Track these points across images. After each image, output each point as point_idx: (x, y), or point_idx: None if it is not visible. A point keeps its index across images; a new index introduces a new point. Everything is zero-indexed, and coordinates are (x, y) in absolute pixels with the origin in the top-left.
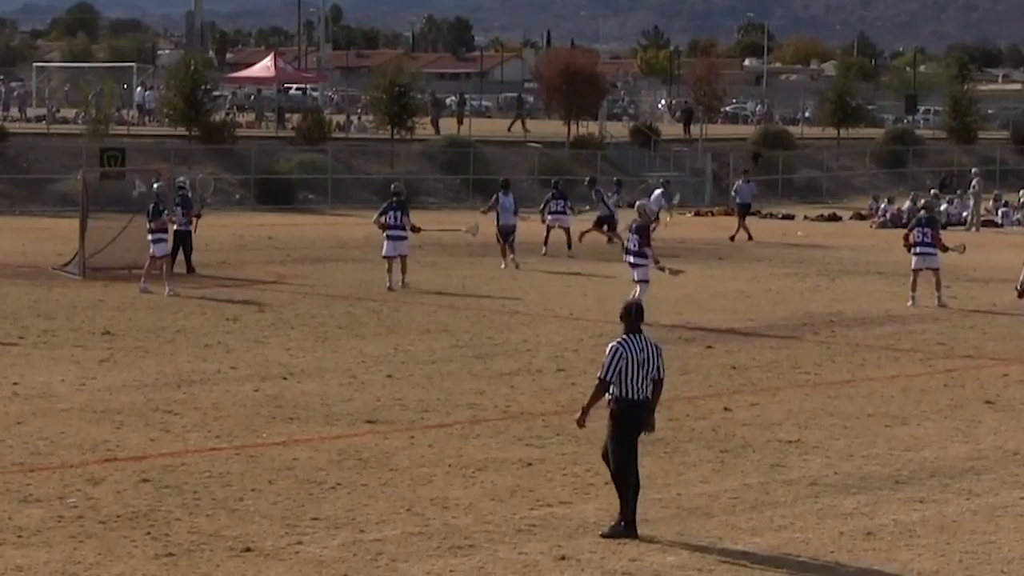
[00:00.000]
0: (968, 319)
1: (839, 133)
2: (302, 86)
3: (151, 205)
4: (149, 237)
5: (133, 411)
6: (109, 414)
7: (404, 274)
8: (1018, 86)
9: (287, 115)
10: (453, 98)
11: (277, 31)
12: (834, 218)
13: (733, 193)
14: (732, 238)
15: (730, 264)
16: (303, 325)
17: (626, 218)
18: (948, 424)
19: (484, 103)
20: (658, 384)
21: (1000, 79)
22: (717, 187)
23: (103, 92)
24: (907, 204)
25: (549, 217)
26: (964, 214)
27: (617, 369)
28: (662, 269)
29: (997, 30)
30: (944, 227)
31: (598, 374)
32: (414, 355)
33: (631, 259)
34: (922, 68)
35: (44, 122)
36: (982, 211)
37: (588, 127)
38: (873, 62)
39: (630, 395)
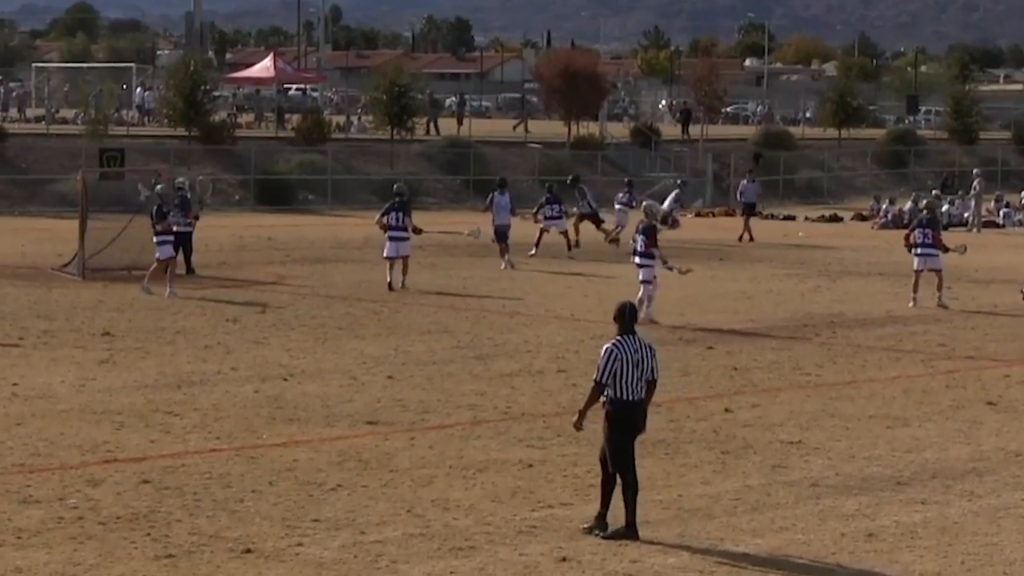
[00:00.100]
0: (970, 320)
1: (840, 133)
2: (302, 86)
3: (154, 207)
4: (155, 239)
5: (133, 412)
6: (109, 415)
7: (404, 275)
8: (1019, 86)
9: (287, 116)
10: (453, 99)
11: (276, 31)
12: (835, 219)
13: (739, 193)
14: (740, 238)
15: (731, 265)
16: (303, 326)
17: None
18: (950, 425)
19: (484, 104)
20: (652, 385)
21: (1001, 79)
22: (718, 188)
23: (102, 93)
24: (908, 205)
25: (544, 221)
26: (965, 215)
27: (612, 371)
28: (671, 269)
29: (998, 30)
30: (945, 228)
31: (593, 376)
32: (414, 356)
33: (637, 260)
34: (923, 68)
35: (43, 122)
36: (983, 212)
37: (588, 128)
38: (874, 62)
39: (625, 396)
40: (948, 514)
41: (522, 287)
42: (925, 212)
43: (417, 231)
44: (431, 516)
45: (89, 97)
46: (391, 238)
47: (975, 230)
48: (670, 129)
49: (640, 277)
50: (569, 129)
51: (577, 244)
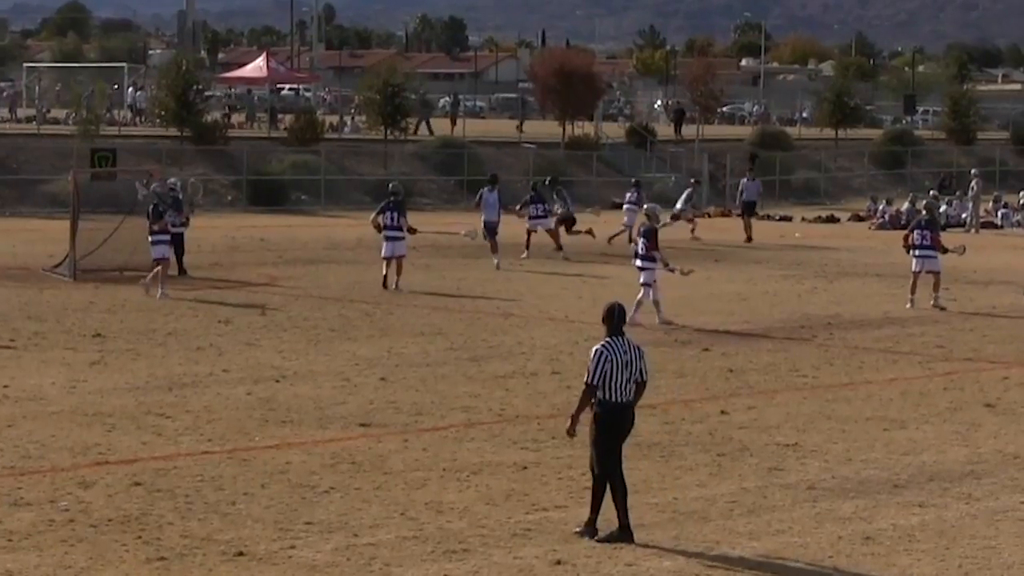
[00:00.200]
0: (968, 322)
1: (837, 134)
2: (294, 86)
3: (150, 206)
4: (150, 239)
5: (124, 414)
6: (100, 417)
7: (398, 276)
8: (1018, 86)
9: (279, 116)
10: (447, 99)
11: (269, 31)
12: (832, 219)
13: (739, 191)
14: (749, 239)
15: (727, 266)
16: (296, 327)
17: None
18: (947, 427)
19: (478, 103)
20: (641, 386)
21: (1000, 79)
22: (714, 188)
23: (94, 93)
24: (906, 205)
25: (530, 221)
26: (963, 215)
27: (602, 372)
28: (672, 271)
29: (997, 29)
30: (943, 229)
31: (584, 379)
32: (408, 358)
33: (638, 262)
34: (921, 68)
35: (34, 122)
36: (981, 212)
37: (583, 128)
38: (871, 62)
39: (614, 398)
40: (946, 517)
41: (516, 288)
42: (924, 213)
43: (412, 231)
44: (425, 519)
45: (81, 97)
46: (386, 238)
47: (973, 231)
48: (666, 129)
49: (640, 280)
50: (564, 129)
51: (559, 247)
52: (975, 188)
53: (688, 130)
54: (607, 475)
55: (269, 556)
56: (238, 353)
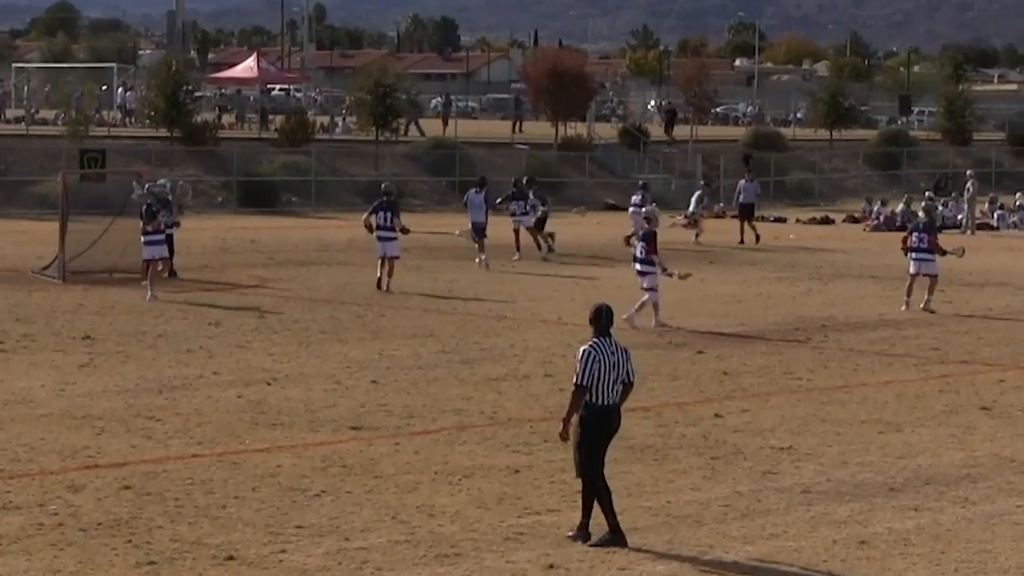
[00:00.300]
0: (963, 324)
1: (831, 134)
2: (285, 87)
3: (144, 207)
4: (143, 239)
5: (114, 417)
6: (89, 420)
7: (390, 277)
8: (1014, 86)
9: (270, 116)
10: (439, 99)
11: (260, 31)
12: (827, 221)
13: (737, 193)
14: (757, 239)
15: (720, 268)
16: (286, 330)
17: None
18: (943, 431)
19: (470, 104)
20: (628, 388)
21: (996, 79)
22: (708, 189)
23: (83, 96)
24: (900, 207)
25: (512, 219)
26: (959, 217)
27: (591, 373)
28: (670, 275)
29: (992, 29)
30: (939, 230)
31: (574, 380)
32: (399, 360)
33: (638, 267)
34: (916, 68)
35: (23, 123)
36: (977, 214)
37: (576, 128)
38: (866, 62)
39: (600, 400)
40: (941, 521)
41: (509, 290)
42: (923, 216)
43: (405, 231)
44: (416, 523)
45: (71, 98)
46: (379, 238)
47: (969, 232)
48: (659, 130)
49: (644, 285)
50: (556, 130)
51: (539, 247)
52: (971, 189)
53: (682, 131)
54: (589, 478)
55: (259, 560)
56: (228, 355)
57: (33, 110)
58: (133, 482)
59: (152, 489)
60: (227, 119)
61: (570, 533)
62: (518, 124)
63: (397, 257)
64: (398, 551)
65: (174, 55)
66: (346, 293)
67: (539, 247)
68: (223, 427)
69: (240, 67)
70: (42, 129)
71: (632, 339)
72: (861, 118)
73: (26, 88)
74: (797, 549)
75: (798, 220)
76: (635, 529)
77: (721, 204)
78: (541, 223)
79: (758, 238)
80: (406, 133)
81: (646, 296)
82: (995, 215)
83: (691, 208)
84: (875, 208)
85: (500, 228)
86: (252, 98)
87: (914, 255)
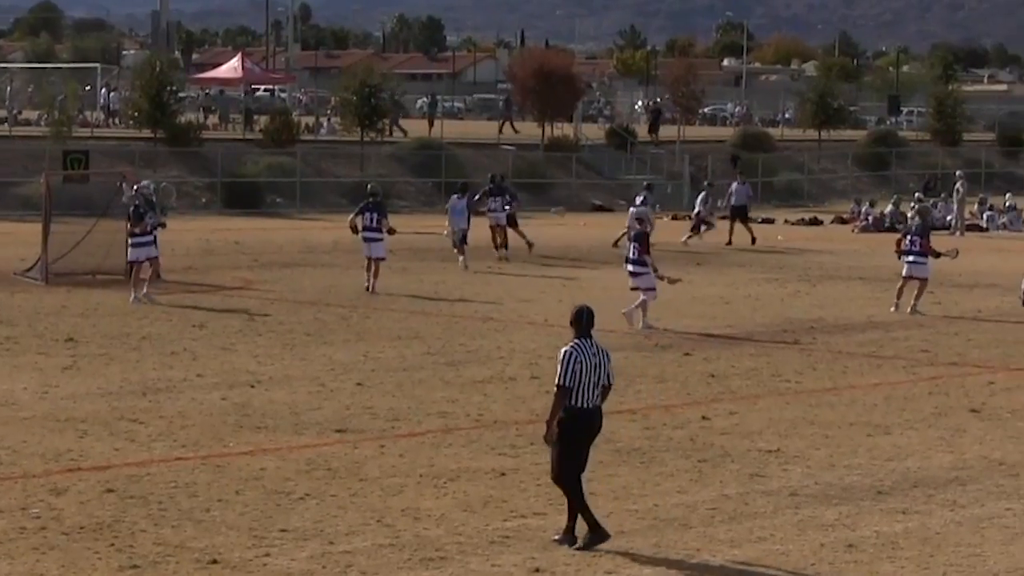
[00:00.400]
0: (952, 325)
1: (820, 135)
2: (270, 87)
3: (131, 208)
4: (129, 241)
5: (97, 420)
6: (73, 423)
7: (375, 279)
8: (1004, 87)
9: (255, 117)
10: (425, 99)
11: (244, 31)
12: (815, 222)
13: (728, 195)
14: (752, 241)
15: (708, 269)
16: (271, 332)
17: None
18: (932, 433)
19: (456, 104)
20: (606, 390)
21: (985, 79)
22: (695, 190)
23: (67, 96)
24: (889, 208)
25: (489, 215)
26: (948, 218)
27: (572, 373)
28: (661, 278)
29: (983, 29)
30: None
31: (555, 382)
32: (384, 362)
33: (630, 267)
34: (905, 68)
35: (6, 124)
36: (967, 215)
37: (563, 129)
38: (855, 62)
39: (580, 403)
40: (930, 524)
41: (495, 292)
42: (917, 219)
43: (392, 231)
44: (401, 526)
45: (55, 99)
46: (365, 239)
47: (958, 233)
48: (646, 130)
49: (636, 285)
50: (543, 130)
51: (504, 246)
52: (960, 190)
53: (669, 131)
54: (563, 480)
55: (243, 564)
56: (213, 358)
57: (16, 111)
58: (116, 485)
59: (135, 492)
60: (211, 120)
61: (556, 537)
62: (510, 125)
63: (383, 258)
64: (383, 555)
65: (158, 55)
66: (331, 295)
67: (506, 246)
68: (207, 430)
69: (224, 67)
70: (25, 130)
71: (619, 341)
72: (850, 118)
73: (9, 89)
74: (784, 553)
75: (786, 221)
76: (621, 532)
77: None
78: (512, 220)
79: (753, 240)
80: (391, 133)
81: (643, 296)
82: (984, 216)
83: (696, 208)
84: (863, 209)
85: (481, 230)
86: (227, 95)
87: (908, 258)
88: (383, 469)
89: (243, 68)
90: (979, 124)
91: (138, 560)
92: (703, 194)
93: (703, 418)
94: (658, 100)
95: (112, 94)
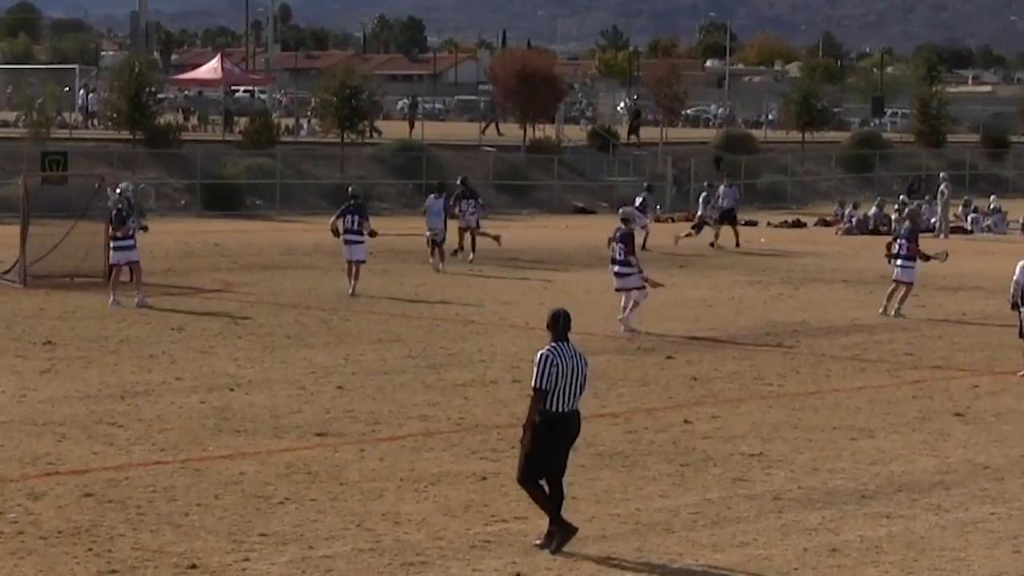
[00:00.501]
0: (937, 329)
1: (804, 136)
2: (250, 88)
3: (114, 211)
4: (112, 245)
5: (75, 423)
6: (50, 426)
7: (355, 281)
8: (988, 88)
9: (234, 118)
10: (405, 101)
11: (224, 32)
12: (798, 224)
13: (717, 196)
14: (737, 244)
15: (691, 272)
16: (250, 335)
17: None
18: (916, 437)
19: (437, 106)
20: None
21: (970, 81)
22: (678, 191)
23: (46, 101)
24: (873, 210)
25: (460, 218)
26: (933, 220)
27: (548, 376)
28: (645, 280)
29: (967, 30)
30: None
31: (531, 384)
32: (365, 365)
33: (616, 268)
34: (890, 69)
35: None
36: (951, 217)
37: (545, 130)
38: (839, 63)
39: (555, 407)
40: (914, 528)
41: (476, 295)
42: (907, 223)
43: (373, 234)
44: (382, 530)
45: (35, 103)
46: (346, 242)
47: (942, 236)
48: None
49: (621, 286)
50: (525, 132)
51: (461, 249)
52: (944, 192)
53: (651, 133)
54: (524, 479)
55: (222, 569)
56: (192, 361)
57: None
58: (95, 489)
59: (114, 496)
60: (191, 121)
61: (538, 541)
62: (495, 127)
63: (363, 261)
64: (363, 559)
65: (137, 56)
66: (311, 297)
67: (473, 248)
68: (186, 433)
69: (204, 68)
70: (3, 131)
71: (602, 344)
72: (833, 120)
73: None
74: (768, 557)
75: (769, 223)
76: (604, 537)
77: (669, 209)
78: (477, 223)
79: (738, 244)
80: (371, 135)
81: (636, 295)
82: (969, 218)
83: (700, 211)
84: (847, 211)
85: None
86: (206, 96)
87: (897, 262)
88: (363, 473)
89: (223, 69)
90: (963, 125)
91: (116, 565)
92: (704, 195)
93: (685, 422)
94: (636, 99)
95: (91, 95)
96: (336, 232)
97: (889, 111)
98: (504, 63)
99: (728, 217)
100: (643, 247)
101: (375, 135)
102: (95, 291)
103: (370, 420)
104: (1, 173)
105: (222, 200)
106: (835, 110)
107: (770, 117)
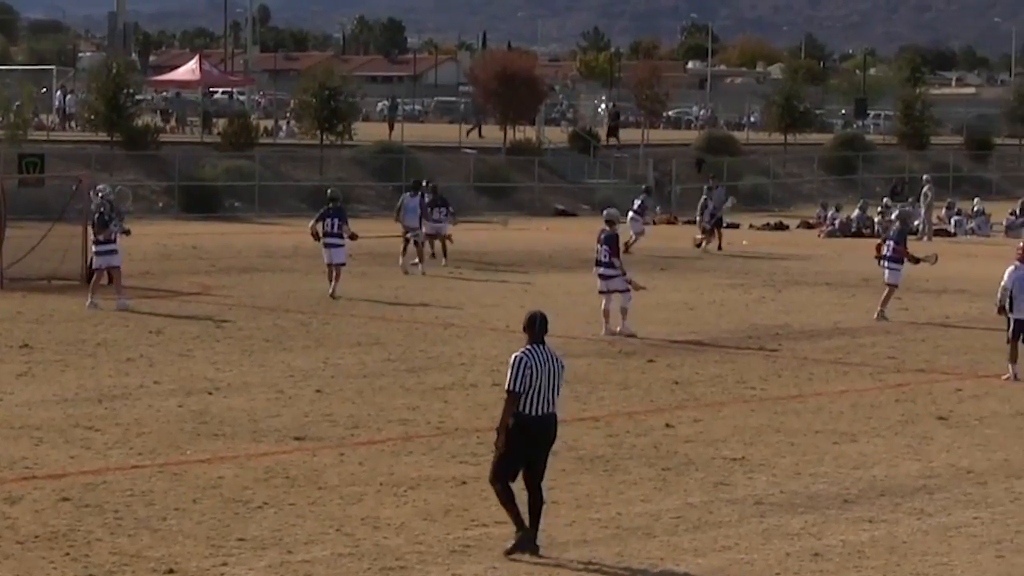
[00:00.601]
0: (920, 332)
1: (786, 138)
2: (228, 90)
3: (96, 215)
4: (94, 248)
5: (52, 427)
6: (27, 430)
7: (336, 284)
8: (972, 89)
9: (213, 120)
10: (385, 102)
11: (202, 32)
12: (781, 227)
13: (707, 200)
14: (719, 247)
15: (672, 274)
16: (229, 338)
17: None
18: (899, 441)
19: (417, 107)
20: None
21: (953, 82)
22: (659, 194)
23: (23, 99)
24: (856, 212)
25: (427, 225)
26: (916, 223)
27: (523, 379)
28: (628, 283)
29: (951, 31)
30: None
31: (505, 387)
32: (344, 369)
33: (600, 270)
34: (872, 71)
35: None
36: (934, 219)
37: (525, 132)
38: (822, 64)
39: (530, 410)
40: (897, 533)
41: (457, 297)
42: (898, 223)
43: (354, 237)
44: (361, 535)
45: (13, 105)
46: (326, 245)
47: (925, 238)
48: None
49: (613, 288)
50: (505, 134)
51: (444, 254)
52: (928, 195)
53: (632, 135)
54: (494, 479)
55: (200, 573)
56: (170, 364)
57: None
58: (72, 494)
59: (91, 501)
60: (169, 123)
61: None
62: (478, 132)
63: (343, 264)
64: (342, 564)
65: (115, 57)
66: (290, 300)
67: (445, 254)
68: (164, 437)
69: (182, 69)
70: None
71: (583, 347)
72: (816, 122)
73: None
74: (750, 562)
75: (751, 226)
76: (584, 541)
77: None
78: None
79: (720, 246)
80: (350, 137)
81: (621, 299)
82: (952, 221)
83: (705, 215)
84: (830, 214)
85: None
86: (183, 98)
87: (884, 264)
88: (342, 477)
89: (201, 70)
90: (947, 127)
91: (94, 569)
92: (703, 198)
93: (667, 425)
94: (615, 104)
95: (68, 96)
96: (316, 236)
97: (872, 113)
98: (484, 65)
99: (716, 219)
100: (626, 250)
101: (351, 136)
102: (72, 294)
103: (349, 424)
104: None
105: (200, 202)
106: (818, 112)
107: (752, 119)
